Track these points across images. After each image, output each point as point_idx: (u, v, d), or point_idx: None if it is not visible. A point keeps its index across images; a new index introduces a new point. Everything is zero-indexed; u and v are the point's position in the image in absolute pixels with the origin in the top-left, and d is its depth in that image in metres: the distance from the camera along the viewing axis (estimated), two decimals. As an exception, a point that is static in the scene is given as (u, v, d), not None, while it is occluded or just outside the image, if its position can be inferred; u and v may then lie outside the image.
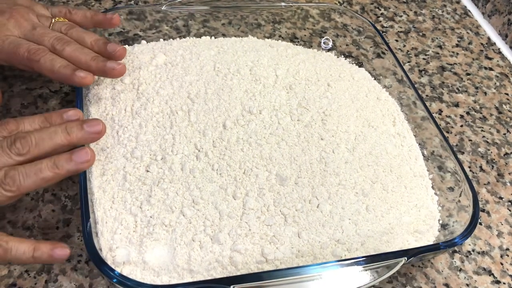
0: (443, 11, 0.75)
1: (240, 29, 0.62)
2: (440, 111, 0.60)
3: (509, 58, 0.69)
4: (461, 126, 0.59)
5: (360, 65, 0.59)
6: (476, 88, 0.64)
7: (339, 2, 0.73)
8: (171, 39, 0.57)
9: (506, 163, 0.56)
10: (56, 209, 0.44)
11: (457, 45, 0.70)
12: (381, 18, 0.72)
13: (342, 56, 0.60)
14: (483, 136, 0.58)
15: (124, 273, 0.37)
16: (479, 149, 0.57)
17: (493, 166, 0.55)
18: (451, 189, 0.47)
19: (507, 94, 0.64)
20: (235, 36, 0.59)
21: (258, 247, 0.39)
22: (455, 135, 0.58)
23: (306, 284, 0.37)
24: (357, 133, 0.49)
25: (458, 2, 0.78)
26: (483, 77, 0.66)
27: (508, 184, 0.54)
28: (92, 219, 0.38)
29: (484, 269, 0.46)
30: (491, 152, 0.57)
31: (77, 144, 0.40)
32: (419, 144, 0.51)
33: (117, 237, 0.39)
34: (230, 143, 0.45)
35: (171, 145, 0.44)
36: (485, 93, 0.64)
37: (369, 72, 0.58)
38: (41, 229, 0.43)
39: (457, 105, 0.61)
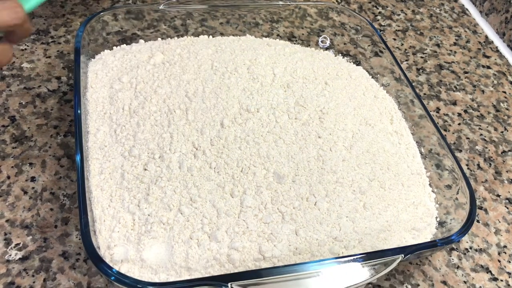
0: (440, 10, 0.75)
1: (238, 28, 0.62)
2: (437, 109, 0.60)
3: (506, 57, 0.69)
4: (459, 124, 0.59)
5: (357, 63, 0.59)
6: (474, 86, 0.64)
7: (337, 0, 0.73)
8: (169, 38, 0.57)
9: (504, 161, 0.56)
10: (54, 207, 0.44)
11: (454, 44, 0.70)
12: (379, 17, 0.72)
13: (340, 54, 0.60)
14: (481, 134, 0.58)
15: (122, 271, 0.37)
16: (477, 147, 0.57)
17: (490, 164, 0.55)
18: (448, 186, 0.47)
19: (504, 92, 0.64)
20: (233, 35, 0.59)
21: (256, 245, 0.39)
22: (453, 133, 0.58)
23: (304, 282, 0.37)
24: (354, 131, 0.49)
25: (455, 1, 0.78)
26: (480, 75, 0.66)
27: (506, 182, 0.54)
28: (90, 217, 0.38)
29: (482, 266, 0.46)
30: (489, 150, 0.57)
31: None
32: (417, 142, 0.51)
33: (115, 235, 0.39)
34: (228, 142, 0.45)
35: (169, 144, 0.44)
36: (483, 91, 0.64)
37: (367, 71, 0.58)
38: (39, 228, 0.43)
39: (454, 103, 0.62)
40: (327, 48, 0.61)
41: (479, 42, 0.71)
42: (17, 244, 0.42)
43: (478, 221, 0.50)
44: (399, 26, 0.71)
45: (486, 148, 0.57)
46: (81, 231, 0.36)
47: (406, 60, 0.66)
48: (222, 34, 0.59)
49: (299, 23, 0.65)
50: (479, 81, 0.65)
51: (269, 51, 0.56)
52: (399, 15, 0.73)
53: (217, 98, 0.49)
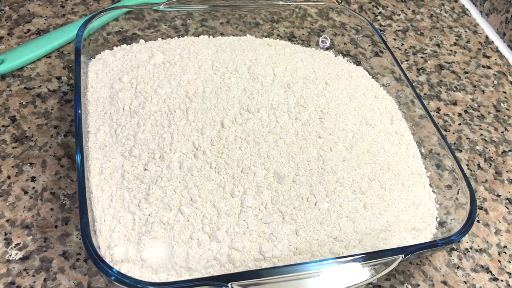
0: (441, 10, 0.75)
1: (238, 28, 0.62)
2: (438, 110, 0.60)
3: (507, 57, 0.69)
4: (459, 124, 0.59)
5: (358, 63, 0.59)
6: (474, 86, 0.64)
7: (337, 1, 0.73)
8: (169, 38, 0.57)
9: (504, 161, 0.56)
10: (54, 207, 0.44)
11: (455, 44, 0.70)
12: (379, 17, 0.72)
13: (340, 54, 0.60)
14: (481, 134, 0.58)
15: (122, 271, 0.37)
16: (477, 147, 0.57)
17: (491, 164, 0.55)
18: (448, 187, 0.47)
19: (504, 92, 0.64)
20: (233, 35, 0.59)
21: (256, 245, 0.39)
22: (453, 133, 0.58)
23: (304, 282, 0.37)
24: (354, 131, 0.49)
25: (456, 1, 0.78)
26: (481, 75, 0.66)
27: (506, 182, 0.54)
28: (91, 217, 0.38)
29: (482, 266, 0.46)
30: (489, 150, 0.57)
31: None
32: (417, 142, 0.51)
33: (115, 235, 0.39)
34: (228, 142, 0.45)
35: (169, 144, 0.44)
36: (483, 91, 0.64)
37: (367, 71, 0.58)
38: (39, 228, 0.43)
39: (455, 103, 0.62)
40: (327, 48, 0.61)
41: (479, 42, 0.71)
42: (17, 244, 0.42)
43: (478, 221, 0.50)
44: (399, 26, 0.71)
45: (487, 148, 0.57)
46: (81, 231, 0.36)
47: (407, 60, 0.66)
48: (222, 34, 0.59)
49: (299, 23, 0.65)
50: (479, 81, 0.65)
51: (270, 51, 0.56)
52: (399, 15, 0.73)
53: (218, 98, 0.49)
